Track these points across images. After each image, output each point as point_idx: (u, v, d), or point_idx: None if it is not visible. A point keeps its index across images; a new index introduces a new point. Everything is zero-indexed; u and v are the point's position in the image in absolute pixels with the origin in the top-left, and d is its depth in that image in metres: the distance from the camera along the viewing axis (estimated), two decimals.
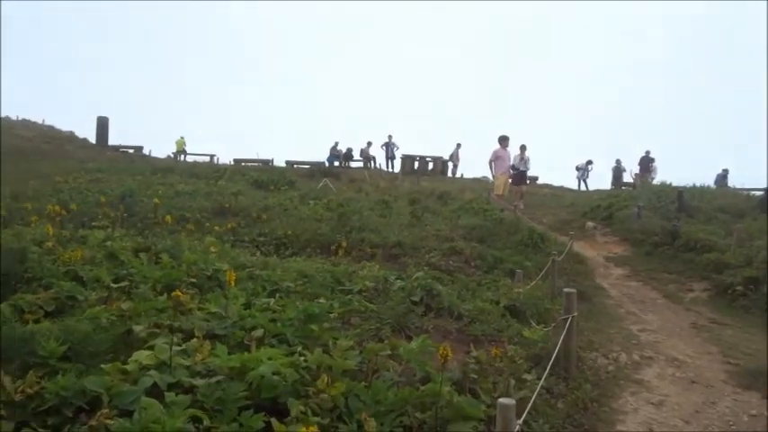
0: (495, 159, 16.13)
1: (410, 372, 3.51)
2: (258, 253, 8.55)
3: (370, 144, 28.64)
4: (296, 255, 9.22)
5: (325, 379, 2.57)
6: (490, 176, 18.27)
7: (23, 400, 2.35)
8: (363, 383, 3.01)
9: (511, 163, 16.38)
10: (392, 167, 28.02)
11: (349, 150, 28.80)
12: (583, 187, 26.81)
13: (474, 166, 46.09)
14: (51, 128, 32.25)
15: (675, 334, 6.75)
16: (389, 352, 3.15)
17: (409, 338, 4.69)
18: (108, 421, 2.26)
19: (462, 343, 4.98)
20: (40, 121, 32.70)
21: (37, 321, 3.64)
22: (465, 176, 26.91)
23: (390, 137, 27.92)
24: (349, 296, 5.15)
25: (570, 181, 27.65)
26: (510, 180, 16.59)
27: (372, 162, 28.75)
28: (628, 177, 25.44)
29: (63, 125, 33.53)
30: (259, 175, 18.70)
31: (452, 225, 11.84)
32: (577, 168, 27.82)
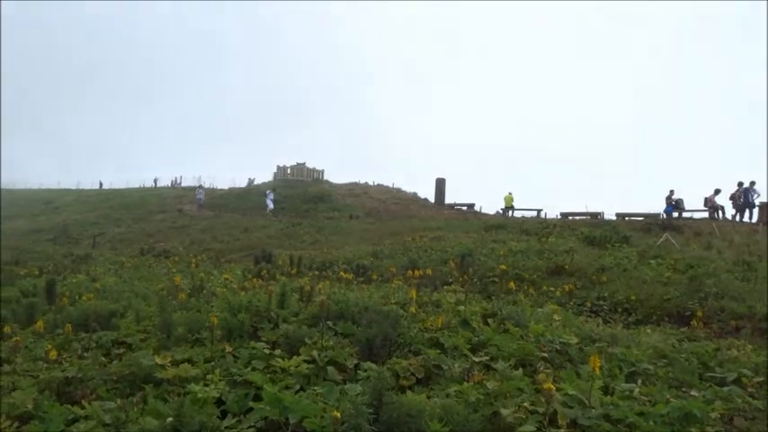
0: None
1: None
2: (600, 320, 8.10)
3: (717, 192, 25.19)
4: (641, 323, 8.48)
5: None
6: None
7: None
8: None
9: None
10: (750, 218, 23.96)
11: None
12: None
13: None
14: (399, 190, 37.14)
15: None
16: None
17: None
18: None
19: None
20: (390, 185, 37.97)
21: (410, 388, 4.02)
22: None
23: (753, 183, 23.94)
24: (726, 388, 4.41)
25: None
26: None
27: (720, 212, 25.14)
28: None
29: (408, 187, 38.34)
30: (590, 231, 18.06)
31: None
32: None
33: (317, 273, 11.50)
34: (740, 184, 24.39)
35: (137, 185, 58.70)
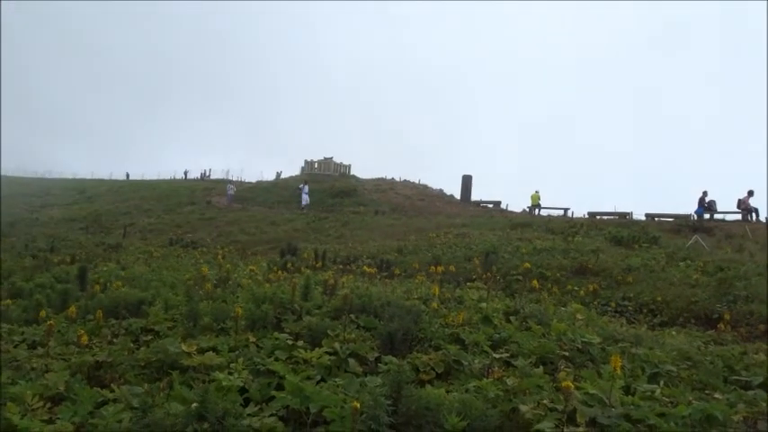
0: None
1: None
2: (624, 321, 8.01)
3: (751, 193, 24.58)
4: (667, 325, 8.38)
5: None
6: None
7: None
8: None
9: None
10: None
11: None
12: None
13: None
14: (425, 186, 37.11)
15: None
16: None
17: None
18: None
19: None
20: (416, 181, 37.96)
21: (430, 382, 4.06)
22: None
23: None
24: (751, 392, 4.34)
25: None
26: None
27: (754, 214, 24.53)
28: None
29: (434, 184, 38.25)
30: (618, 231, 17.80)
31: None
32: None
33: (341, 267, 11.59)
34: (750, 192, 23.90)
35: (167, 177, 59.70)
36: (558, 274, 11.19)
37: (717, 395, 4.07)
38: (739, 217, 24.69)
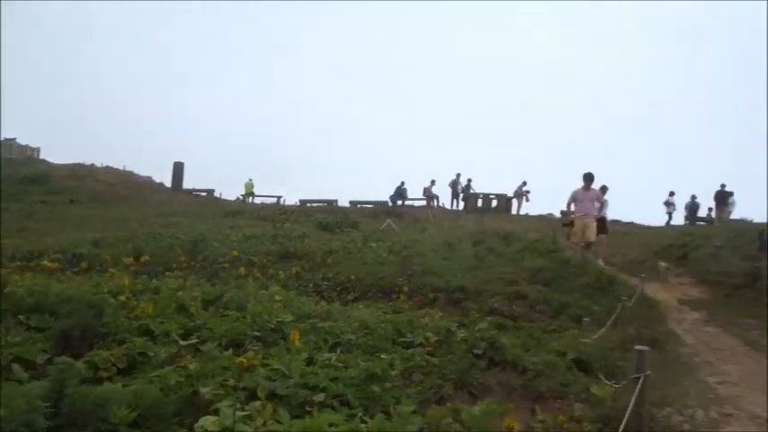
0: (574, 201, 13.30)
1: None
2: (322, 300, 8.65)
3: (433, 182, 28.74)
4: (358, 300, 9.29)
5: None
6: (557, 214, 17.84)
7: None
8: None
9: (596, 206, 13.46)
10: (458, 205, 28.02)
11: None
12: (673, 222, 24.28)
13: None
14: (131, 173, 34.25)
15: (758, 387, 6.27)
16: (452, 419, 3.11)
17: (472, 396, 4.62)
18: None
19: (527, 399, 4.85)
20: (121, 167, 34.78)
21: (110, 379, 3.83)
22: (530, 214, 26.38)
23: (459, 174, 27.92)
24: (411, 350, 5.12)
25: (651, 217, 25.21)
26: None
27: (436, 201, 28.77)
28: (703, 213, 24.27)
29: (142, 170, 35.39)
30: (324, 217, 19.08)
31: (517, 267, 11.59)
32: (666, 204, 25.11)
33: (20, 264, 10.09)
34: (458, 175, 28.25)
35: None
36: (265, 260, 11.51)
37: (383, 356, 4.70)
38: (425, 203, 28.70)
